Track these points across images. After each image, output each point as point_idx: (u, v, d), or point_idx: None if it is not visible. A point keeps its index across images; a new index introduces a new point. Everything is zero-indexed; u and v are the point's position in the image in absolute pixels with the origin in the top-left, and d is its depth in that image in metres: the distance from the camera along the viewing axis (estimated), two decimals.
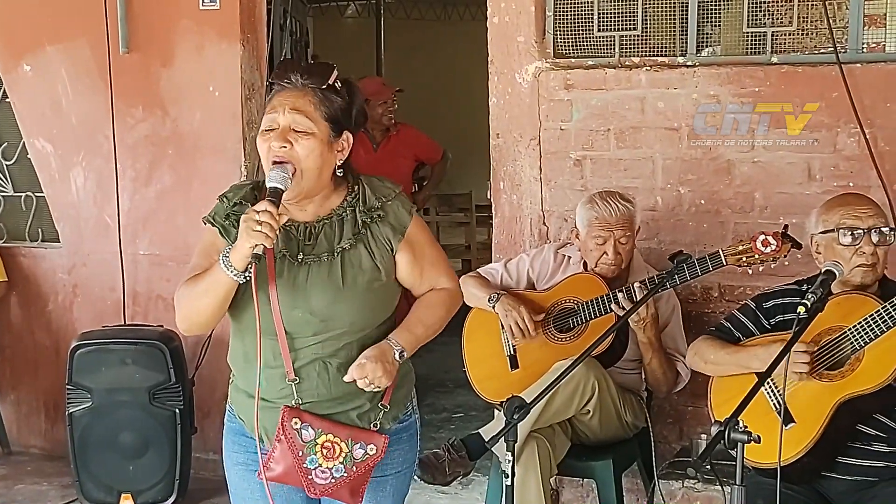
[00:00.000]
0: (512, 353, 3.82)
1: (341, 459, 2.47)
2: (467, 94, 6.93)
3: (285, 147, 2.40)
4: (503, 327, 3.81)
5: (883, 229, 3.07)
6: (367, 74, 6.71)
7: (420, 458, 3.70)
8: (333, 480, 2.48)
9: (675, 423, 4.19)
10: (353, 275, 2.46)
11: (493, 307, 3.79)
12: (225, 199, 2.52)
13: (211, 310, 2.42)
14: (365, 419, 2.51)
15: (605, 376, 3.62)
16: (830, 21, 3.84)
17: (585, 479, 4.20)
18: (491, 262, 4.26)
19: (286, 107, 2.42)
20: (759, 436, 2.34)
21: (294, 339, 2.44)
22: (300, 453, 2.45)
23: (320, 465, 2.47)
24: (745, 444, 2.34)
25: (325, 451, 2.46)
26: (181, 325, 2.49)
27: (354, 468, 2.49)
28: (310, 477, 2.47)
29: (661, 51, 4.13)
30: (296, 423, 2.45)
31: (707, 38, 4.10)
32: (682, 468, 3.79)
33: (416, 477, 3.65)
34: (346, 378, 2.41)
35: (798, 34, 3.98)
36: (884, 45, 3.87)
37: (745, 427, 2.35)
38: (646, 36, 4.15)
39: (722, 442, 2.34)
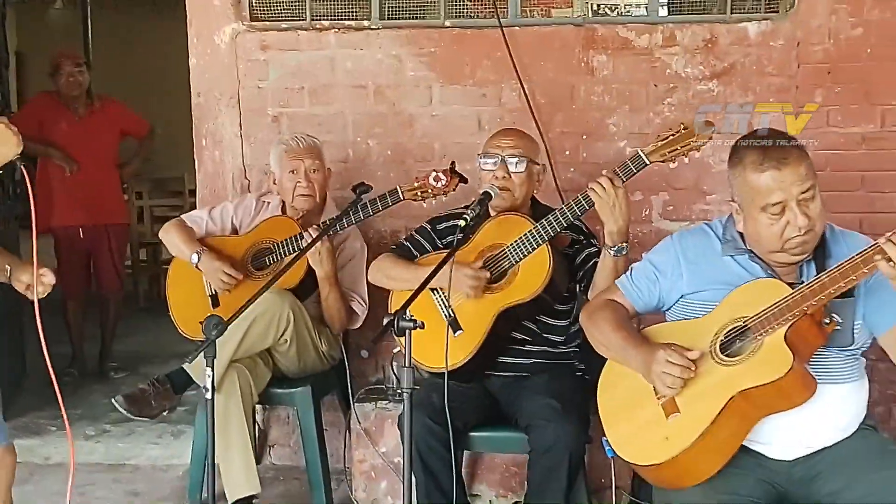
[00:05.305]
0: (213, 293, 4.03)
1: None
2: (177, 84, 6.97)
3: None
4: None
5: (511, 160, 3.48)
6: None
7: (126, 393, 3.85)
8: None
9: (370, 355, 4.50)
10: None
11: (197, 265, 3.99)
12: None
13: None
14: None
15: (300, 307, 3.88)
16: None
17: (291, 419, 4.48)
18: None
19: None
20: (423, 322, 2.67)
21: None
22: None
23: None
24: (412, 332, 2.65)
25: None
26: None
27: None
28: None
29: (350, 15, 4.47)
30: None
31: (393, 4, 4.44)
32: (376, 394, 4.13)
33: (123, 410, 3.82)
34: None
35: (469, 3, 4.42)
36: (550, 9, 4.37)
37: (412, 317, 2.66)
38: (335, 2, 4.46)
39: (391, 329, 2.67)
